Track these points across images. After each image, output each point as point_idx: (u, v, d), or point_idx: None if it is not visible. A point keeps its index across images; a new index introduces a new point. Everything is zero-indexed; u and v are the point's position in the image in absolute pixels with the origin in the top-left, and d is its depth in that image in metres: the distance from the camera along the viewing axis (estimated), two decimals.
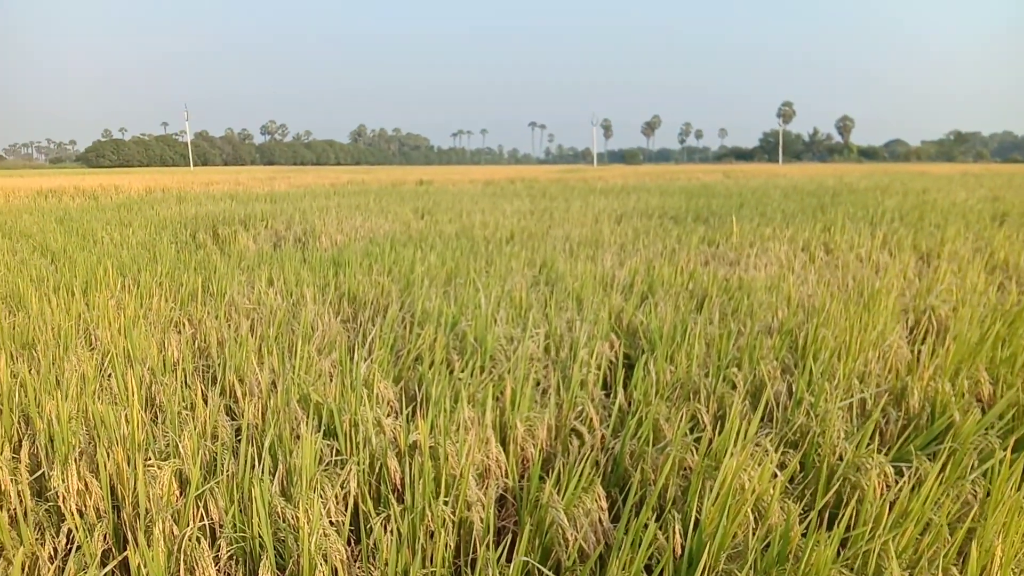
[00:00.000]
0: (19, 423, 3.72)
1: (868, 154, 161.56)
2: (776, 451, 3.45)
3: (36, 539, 2.84)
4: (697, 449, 3.53)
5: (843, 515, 2.67)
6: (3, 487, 3.11)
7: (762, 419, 4.13)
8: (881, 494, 3.20)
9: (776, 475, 3.22)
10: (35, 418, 3.58)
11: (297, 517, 2.73)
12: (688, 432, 3.83)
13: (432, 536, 2.84)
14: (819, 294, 6.56)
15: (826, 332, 5.04)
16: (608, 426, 3.87)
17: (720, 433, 3.80)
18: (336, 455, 3.42)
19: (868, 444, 3.64)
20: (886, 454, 3.55)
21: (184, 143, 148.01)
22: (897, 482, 3.21)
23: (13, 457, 3.39)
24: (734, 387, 4.42)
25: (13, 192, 26.21)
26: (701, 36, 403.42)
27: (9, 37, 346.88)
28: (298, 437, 3.45)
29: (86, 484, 3.07)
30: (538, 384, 4.35)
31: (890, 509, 2.91)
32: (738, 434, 3.38)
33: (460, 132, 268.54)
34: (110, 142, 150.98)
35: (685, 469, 3.48)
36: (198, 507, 2.88)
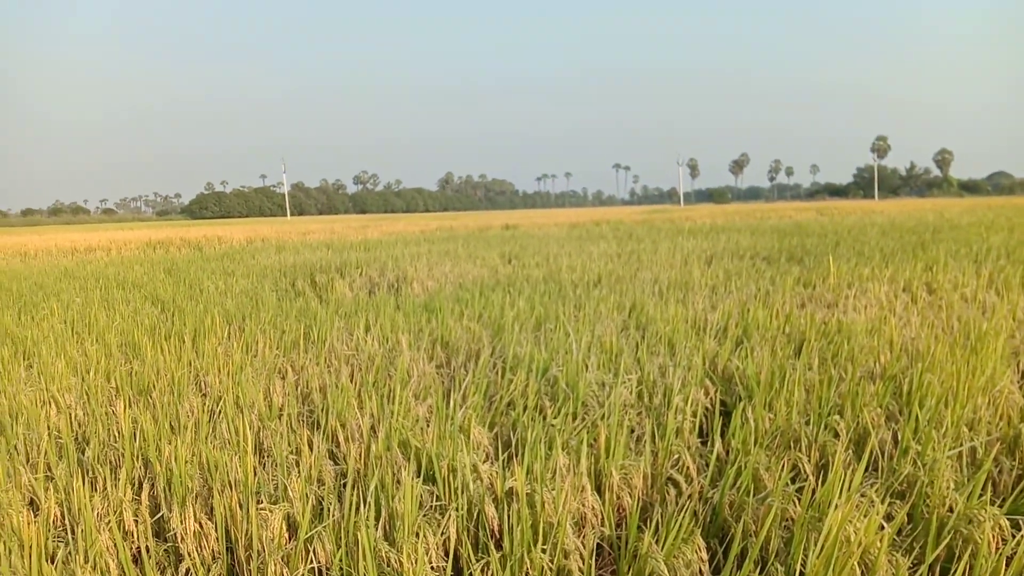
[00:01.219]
0: (140, 466, 3.95)
1: (969, 188, 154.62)
2: (882, 502, 3.34)
3: None
4: (799, 500, 3.44)
5: (955, 570, 2.56)
6: (127, 527, 3.30)
7: (866, 468, 3.99)
8: (996, 548, 3.04)
9: (883, 527, 3.11)
10: (154, 462, 3.79)
11: (401, 562, 2.80)
12: (789, 482, 3.74)
13: None
14: (923, 337, 6.31)
15: (932, 377, 4.85)
16: (706, 475, 3.82)
17: (823, 483, 3.69)
18: (435, 500, 3.49)
19: (980, 495, 3.47)
20: (1000, 506, 3.38)
21: (281, 194, 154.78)
22: (1014, 536, 3.05)
23: (134, 499, 3.60)
24: (836, 435, 4.29)
25: (125, 244, 27.94)
26: (788, 78, 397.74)
27: (120, 100, 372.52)
28: (399, 482, 3.54)
29: (201, 525, 3.23)
30: (632, 431, 4.34)
31: (1007, 565, 2.76)
32: (842, 484, 3.29)
33: (544, 176, 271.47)
34: (212, 195, 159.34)
35: (787, 520, 3.40)
36: (307, 550, 2.99)
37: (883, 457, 4.03)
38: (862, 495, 3.42)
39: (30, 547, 3.15)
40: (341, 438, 4.31)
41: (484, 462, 3.89)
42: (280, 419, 4.62)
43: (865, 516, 3.13)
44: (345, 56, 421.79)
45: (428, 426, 4.33)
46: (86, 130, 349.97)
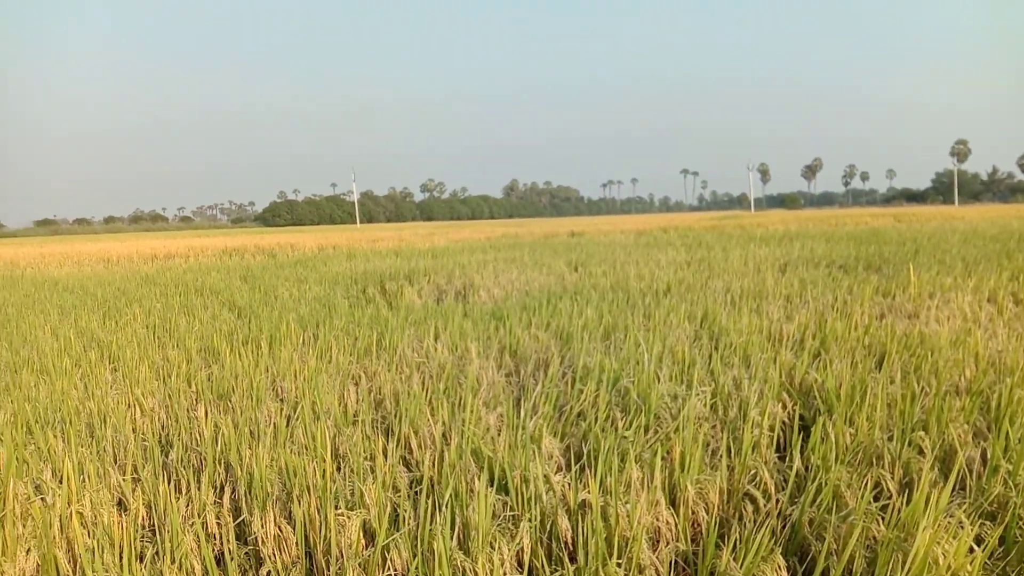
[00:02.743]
0: (221, 470, 4.06)
1: None
2: (972, 524, 3.19)
3: None
4: (883, 519, 3.33)
5: None
6: (210, 529, 3.40)
7: (954, 488, 3.83)
8: None
9: (973, 550, 2.98)
10: (235, 466, 3.90)
11: (476, 572, 2.81)
12: (872, 500, 3.62)
13: None
14: (1010, 350, 6.03)
15: (1022, 393, 4.63)
16: (785, 492, 3.72)
17: (908, 502, 3.56)
18: (508, 510, 3.49)
19: None
20: None
21: (351, 202, 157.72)
22: None
23: (216, 502, 3.71)
24: (921, 452, 4.13)
25: (202, 251, 28.92)
26: (865, 87, 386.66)
27: (200, 109, 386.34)
28: (472, 491, 3.55)
29: (281, 530, 3.31)
30: (707, 445, 4.26)
31: None
32: (928, 503, 3.16)
33: (610, 183, 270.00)
34: (284, 203, 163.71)
35: (870, 540, 3.28)
36: (384, 557, 3.03)
37: (971, 476, 3.87)
38: (949, 516, 3.28)
39: (120, 546, 3.28)
40: (414, 445, 4.35)
41: (556, 473, 3.88)
42: (355, 425, 4.70)
43: (954, 538, 3.00)
44: (412, 69, 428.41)
45: (499, 435, 4.34)
46: (165, 138, 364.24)
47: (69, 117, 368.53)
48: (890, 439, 4.25)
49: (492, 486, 3.60)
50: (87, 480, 3.82)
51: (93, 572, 3.03)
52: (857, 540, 3.14)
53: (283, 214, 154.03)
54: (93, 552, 3.15)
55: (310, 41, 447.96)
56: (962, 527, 3.24)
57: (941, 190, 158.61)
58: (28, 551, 3.18)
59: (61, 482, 3.82)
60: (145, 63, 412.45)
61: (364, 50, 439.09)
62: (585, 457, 4.14)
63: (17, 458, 4.09)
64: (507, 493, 3.60)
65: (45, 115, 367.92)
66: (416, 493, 3.76)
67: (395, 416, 4.81)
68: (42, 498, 3.60)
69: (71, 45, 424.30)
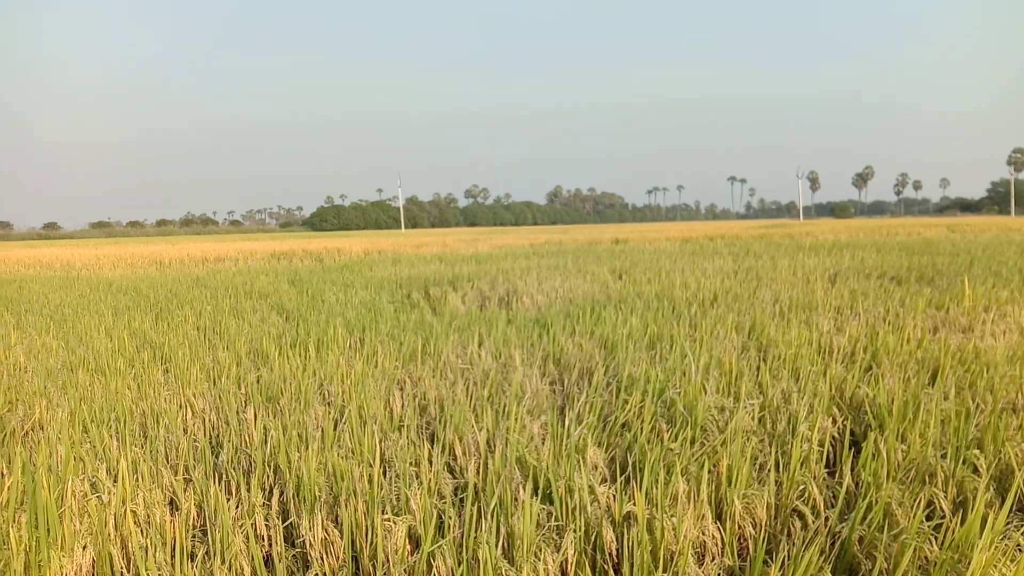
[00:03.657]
0: (270, 473, 4.13)
1: None
2: None
3: None
4: (936, 539, 3.24)
5: None
6: (259, 531, 3.46)
7: (1011, 509, 3.72)
8: None
9: None
10: (284, 469, 3.96)
11: None
12: (924, 519, 3.53)
13: None
14: None
15: None
16: (834, 508, 3.65)
17: (962, 522, 3.46)
18: (552, 520, 3.49)
19: None
20: None
21: (396, 207, 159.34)
22: None
23: (264, 504, 3.77)
24: (976, 471, 4.02)
25: (251, 255, 29.46)
26: (916, 97, 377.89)
27: (250, 117, 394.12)
28: (516, 500, 3.55)
29: (328, 533, 3.35)
30: (755, 459, 4.20)
31: None
32: (984, 525, 3.07)
33: (655, 189, 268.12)
34: (332, 208, 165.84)
35: (922, 560, 3.20)
36: (430, 564, 3.05)
37: None
38: (1006, 538, 3.18)
39: (172, 544, 3.35)
40: (458, 451, 4.37)
41: (600, 484, 3.86)
42: (400, 431, 4.73)
43: (1012, 561, 2.91)
44: (457, 84, 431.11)
45: (543, 444, 4.34)
46: (219, 146, 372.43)
47: (127, 124, 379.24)
48: (943, 457, 4.15)
49: (536, 495, 3.59)
50: (140, 479, 3.91)
51: (146, 570, 3.10)
52: (909, 560, 3.06)
53: (330, 219, 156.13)
54: (146, 550, 3.23)
55: (353, 55, 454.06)
56: (1021, 550, 3.14)
57: (997, 200, 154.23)
58: (84, 547, 3.27)
59: (116, 480, 3.92)
60: (201, 74, 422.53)
61: (412, 68, 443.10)
62: (630, 468, 4.12)
63: (75, 456, 4.21)
64: (551, 503, 3.59)
65: (103, 121, 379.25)
66: (461, 500, 3.77)
67: (440, 422, 4.83)
68: (98, 496, 3.70)
69: (135, 51, 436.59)
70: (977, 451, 4.12)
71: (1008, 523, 3.46)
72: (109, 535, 3.35)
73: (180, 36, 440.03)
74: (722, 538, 3.35)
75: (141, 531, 3.48)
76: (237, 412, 5.38)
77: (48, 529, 3.21)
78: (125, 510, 3.49)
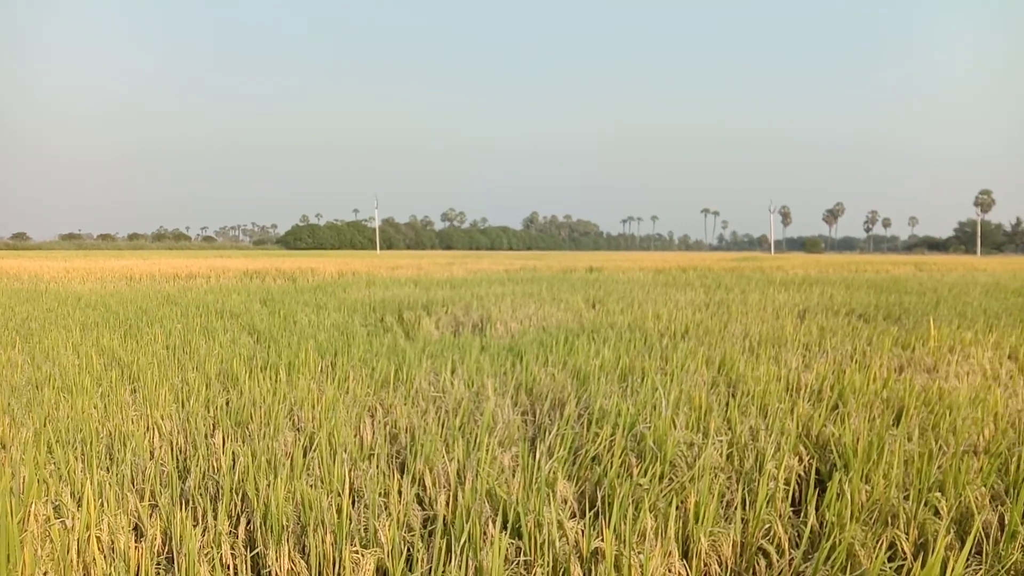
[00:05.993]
0: (238, 500, 4.09)
1: None
2: None
3: None
4: None
5: None
6: (226, 560, 3.43)
7: (970, 552, 3.79)
8: None
9: None
10: (252, 497, 3.93)
11: None
12: (887, 561, 3.59)
13: None
14: None
15: None
16: (799, 547, 3.70)
17: (923, 565, 3.53)
18: (520, 555, 3.50)
19: None
20: None
21: (372, 228, 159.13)
22: None
23: (231, 532, 3.73)
24: (937, 513, 4.09)
25: (223, 272, 29.19)
26: (890, 139, 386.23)
27: (226, 136, 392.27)
28: (484, 534, 3.56)
29: (294, 564, 3.33)
30: (722, 497, 4.24)
31: None
32: (944, 569, 3.13)
33: (630, 219, 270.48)
34: (307, 227, 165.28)
35: None
36: None
37: (987, 541, 3.83)
38: None
39: (136, 573, 3.31)
40: (428, 482, 4.36)
41: (569, 518, 3.88)
42: (370, 460, 4.72)
43: None
44: (437, 112, 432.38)
45: (513, 476, 4.35)
46: (193, 162, 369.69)
47: (102, 137, 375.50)
48: (906, 498, 4.22)
49: (506, 530, 3.60)
50: (106, 504, 3.86)
51: None
52: None
53: (304, 237, 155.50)
54: None
55: (330, 79, 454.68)
56: None
57: (963, 239, 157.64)
58: (45, 574, 3.21)
59: (80, 505, 3.86)
60: (179, 92, 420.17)
61: (390, 90, 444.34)
62: (599, 503, 4.14)
63: (38, 479, 4.14)
64: (520, 537, 3.60)
65: (78, 133, 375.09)
66: (430, 533, 3.77)
67: (410, 452, 4.82)
68: (62, 521, 3.65)
69: (111, 66, 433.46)
70: (939, 493, 4.20)
71: (967, 567, 3.53)
72: (71, 562, 3.30)
73: (159, 55, 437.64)
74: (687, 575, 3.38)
75: (105, 558, 3.43)
76: (206, 436, 5.32)
77: (8, 555, 3.16)
78: (89, 536, 3.44)
